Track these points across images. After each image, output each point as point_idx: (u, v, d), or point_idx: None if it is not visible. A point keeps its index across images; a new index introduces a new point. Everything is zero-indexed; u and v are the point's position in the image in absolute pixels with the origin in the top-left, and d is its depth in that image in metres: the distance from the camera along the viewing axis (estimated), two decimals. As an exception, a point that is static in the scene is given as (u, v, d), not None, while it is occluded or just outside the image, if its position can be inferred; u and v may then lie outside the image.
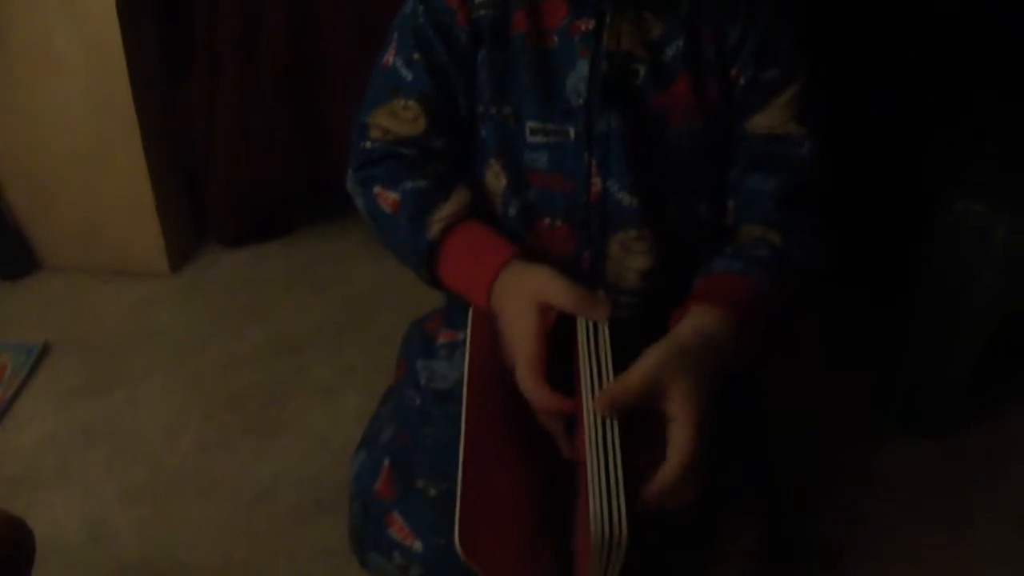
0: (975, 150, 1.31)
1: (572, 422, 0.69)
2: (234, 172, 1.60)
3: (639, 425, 0.64)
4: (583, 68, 0.81)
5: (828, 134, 0.85)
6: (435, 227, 0.80)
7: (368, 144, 0.86)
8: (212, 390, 1.39)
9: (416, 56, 0.85)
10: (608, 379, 0.65)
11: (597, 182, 0.81)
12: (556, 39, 0.82)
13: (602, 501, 0.58)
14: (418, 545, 0.76)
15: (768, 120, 0.84)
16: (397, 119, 0.85)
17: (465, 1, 0.83)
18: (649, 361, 0.65)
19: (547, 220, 0.83)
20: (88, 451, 1.29)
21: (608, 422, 0.62)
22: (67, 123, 1.56)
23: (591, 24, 0.80)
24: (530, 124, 0.82)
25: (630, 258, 0.83)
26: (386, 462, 0.81)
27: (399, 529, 0.77)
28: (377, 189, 0.84)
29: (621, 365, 0.66)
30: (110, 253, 1.66)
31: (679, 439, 0.64)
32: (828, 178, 0.85)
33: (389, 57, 0.86)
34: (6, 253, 1.67)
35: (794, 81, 0.83)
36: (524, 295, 0.74)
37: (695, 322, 0.72)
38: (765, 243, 0.81)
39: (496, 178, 0.85)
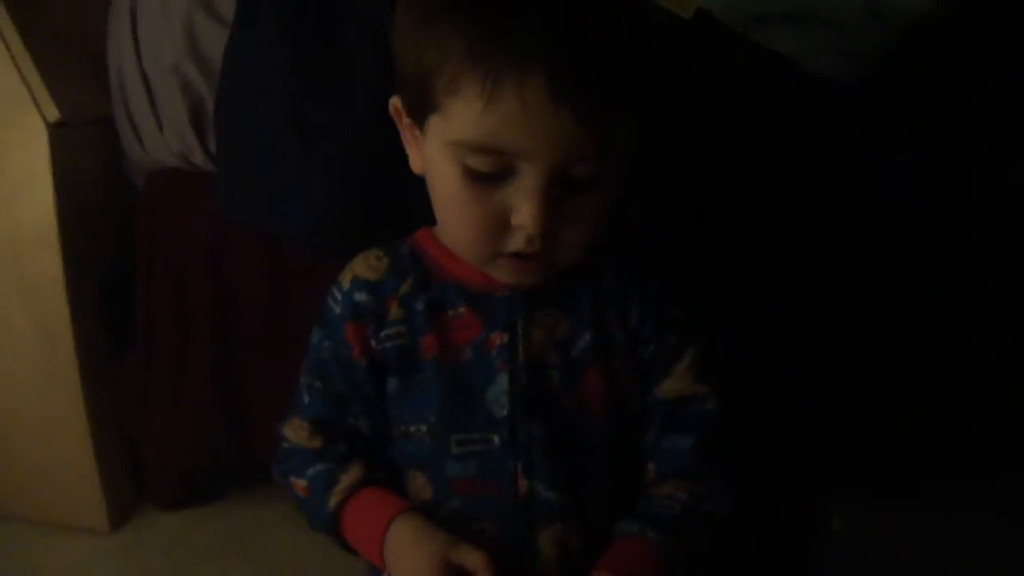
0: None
1: None
2: (168, 443, 1.69)
3: None
4: (503, 382, 0.84)
5: (729, 388, 0.90)
6: (333, 500, 0.85)
7: (284, 445, 0.93)
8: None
9: (316, 384, 0.91)
10: None
11: (523, 484, 0.83)
12: (470, 352, 0.85)
13: None
14: None
15: (674, 384, 0.88)
16: (296, 434, 0.92)
17: (364, 336, 0.88)
18: None
19: (475, 524, 0.84)
20: None
21: None
22: (18, 388, 1.65)
23: (505, 337, 0.84)
24: (456, 437, 0.85)
25: (562, 547, 0.85)
26: None
27: None
28: (292, 479, 0.90)
29: None
30: (54, 508, 1.73)
31: None
32: (732, 429, 0.90)
33: (302, 376, 0.93)
34: (-42, 498, 1.74)
35: (691, 344, 0.88)
36: (428, 549, 0.80)
37: None
38: (673, 499, 0.85)
39: (420, 490, 0.87)
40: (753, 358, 1.33)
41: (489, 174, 0.75)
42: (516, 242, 0.78)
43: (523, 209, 0.75)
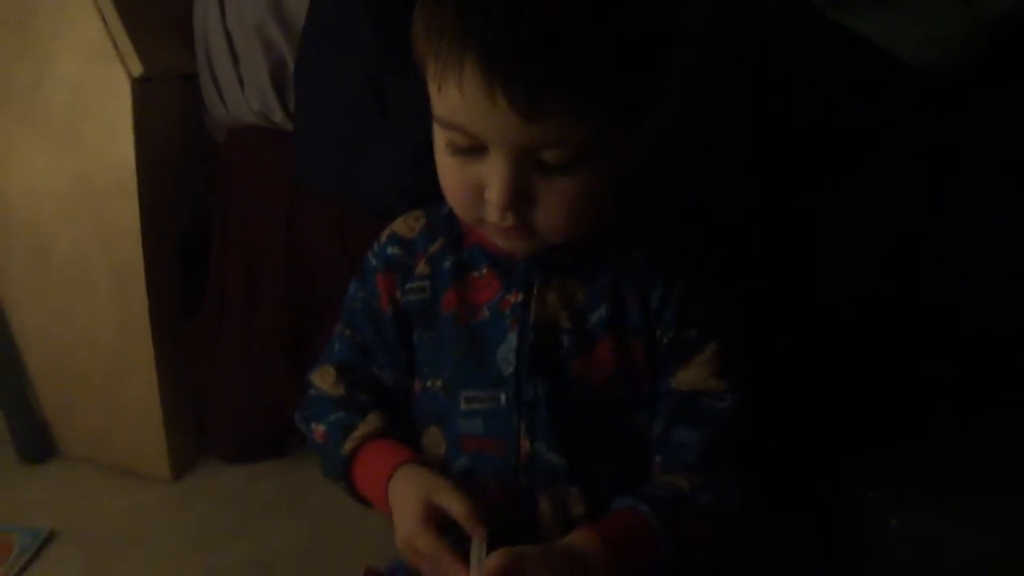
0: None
1: None
2: (233, 399, 1.73)
3: None
4: (512, 340, 0.86)
5: (750, 389, 0.89)
6: (348, 446, 0.89)
7: (310, 392, 0.98)
8: (190, 598, 1.48)
9: (346, 332, 0.97)
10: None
11: (526, 444, 0.85)
12: (487, 312, 0.88)
13: None
14: None
15: (690, 376, 0.88)
16: (323, 380, 0.97)
17: (392, 287, 0.93)
18: (519, 548, 0.75)
19: (480, 482, 0.87)
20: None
21: None
22: (93, 337, 1.71)
23: (520, 297, 0.87)
24: (465, 394, 0.88)
25: (563, 512, 0.87)
26: None
27: None
28: (313, 424, 0.95)
29: None
30: (120, 454, 1.79)
31: None
32: (750, 431, 0.89)
33: (337, 324, 0.98)
34: (29, 438, 1.82)
35: (713, 339, 0.88)
36: (415, 490, 0.82)
37: (570, 539, 0.80)
38: (670, 486, 0.85)
39: (435, 446, 0.91)
40: (797, 350, 1.35)
41: (464, 148, 0.77)
42: (491, 214, 0.80)
43: (491, 187, 0.77)
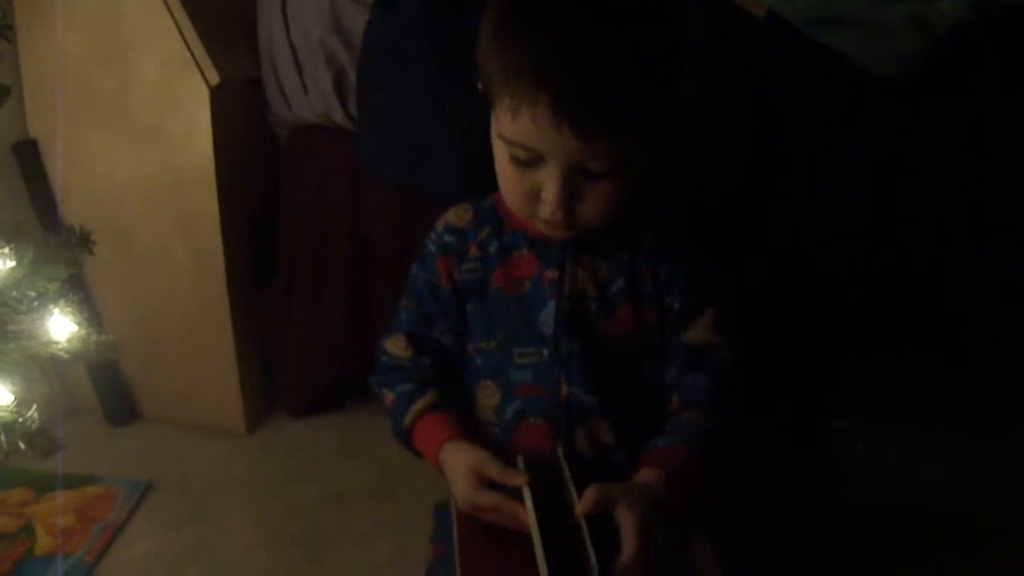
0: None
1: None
2: (301, 361, 1.93)
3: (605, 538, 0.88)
4: (551, 308, 1.03)
5: (742, 341, 1.07)
6: (408, 418, 1.06)
7: (382, 358, 1.14)
8: (277, 531, 1.67)
9: (411, 305, 1.12)
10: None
11: (565, 388, 1.03)
12: (528, 285, 1.05)
13: None
14: None
15: (696, 334, 1.06)
16: (394, 346, 1.12)
17: (450, 269, 1.08)
18: (607, 485, 0.91)
19: (531, 419, 1.04)
20: (185, 567, 1.59)
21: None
22: (175, 311, 1.89)
23: (555, 273, 1.03)
24: (517, 350, 1.05)
25: (596, 440, 1.03)
26: None
27: None
28: (384, 390, 1.11)
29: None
30: (199, 413, 1.98)
31: (627, 537, 0.88)
32: (742, 375, 1.06)
33: (402, 299, 1.14)
34: (116, 403, 2.01)
35: (712, 304, 1.06)
36: (463, 462, 0.99)
37: (639, 478, 0.97)
38: (695, 423, 1.02)
39: (489, 396, 1.07)
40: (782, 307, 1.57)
41: (525, 160, 0.94)
42: (544, 211, 0.97)
43: (548, 190, 0.94)
